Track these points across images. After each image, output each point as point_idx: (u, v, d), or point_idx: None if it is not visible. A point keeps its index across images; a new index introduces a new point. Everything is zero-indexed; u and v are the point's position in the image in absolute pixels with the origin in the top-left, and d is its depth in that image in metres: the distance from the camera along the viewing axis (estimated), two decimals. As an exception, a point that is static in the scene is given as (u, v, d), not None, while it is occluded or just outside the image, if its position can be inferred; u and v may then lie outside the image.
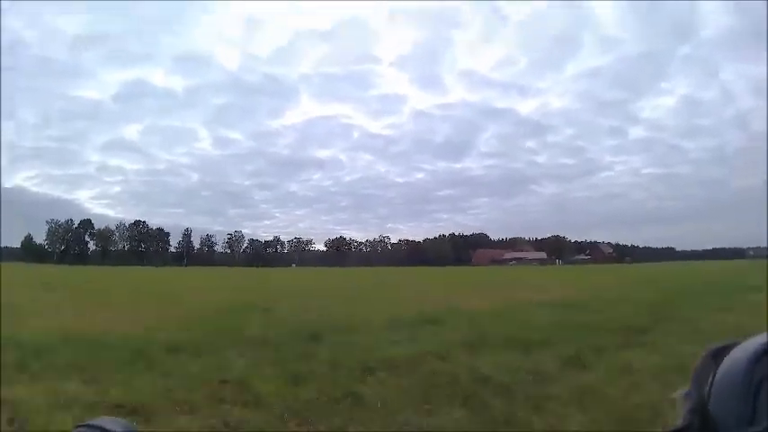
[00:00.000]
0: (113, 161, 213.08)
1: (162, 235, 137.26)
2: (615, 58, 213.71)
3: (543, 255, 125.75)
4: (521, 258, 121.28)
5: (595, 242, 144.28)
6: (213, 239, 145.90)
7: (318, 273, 60.40)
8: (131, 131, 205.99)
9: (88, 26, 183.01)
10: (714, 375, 0.53)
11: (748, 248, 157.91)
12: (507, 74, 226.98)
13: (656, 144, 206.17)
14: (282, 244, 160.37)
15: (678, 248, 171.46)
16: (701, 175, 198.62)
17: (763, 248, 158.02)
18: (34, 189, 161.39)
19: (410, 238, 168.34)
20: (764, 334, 0.51)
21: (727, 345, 0.55)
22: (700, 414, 0.52)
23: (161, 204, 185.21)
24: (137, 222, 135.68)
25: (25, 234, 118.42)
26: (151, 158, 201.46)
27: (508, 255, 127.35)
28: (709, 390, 0.53)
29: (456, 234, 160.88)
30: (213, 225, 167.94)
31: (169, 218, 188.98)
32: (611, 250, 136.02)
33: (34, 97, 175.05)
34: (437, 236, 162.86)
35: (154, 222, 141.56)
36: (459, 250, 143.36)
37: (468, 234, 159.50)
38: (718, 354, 0.54)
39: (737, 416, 0.48)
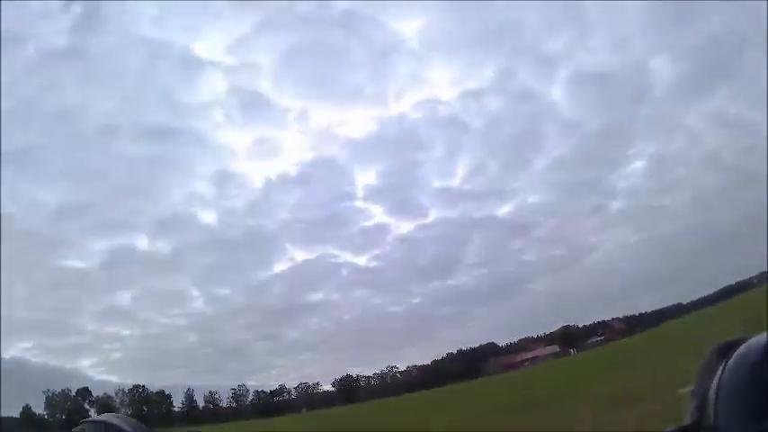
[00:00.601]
0: (109, 329, 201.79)
1: (163, 397, 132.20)
2: (579, 140, 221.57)
3: (556, 348, 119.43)
4: (534, 357, 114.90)
5: (604, 321, 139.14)
6: (217, 396, 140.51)
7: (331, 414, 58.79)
8: (123, 298, 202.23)
9: (67, 197, 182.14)
10: (721, 373, 0.52)
11: (751, 278, 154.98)
12: (479, 182, 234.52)
13: (636, 211, 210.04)
14: (289, 391, 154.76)
15: (685, 301, 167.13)
16: (685, 225, 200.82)
17: (765, 273, 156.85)
18: (34, 360, 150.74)
19: (417, 363, 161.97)
20: None
21: (733, 342, 0.54)
22: (705, 412, 0.52)
23: (162, 367, 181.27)
24: (136, 387, 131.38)
25: (23, 404, 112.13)
26: (146, 323, 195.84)
27: (521, 357, 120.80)
28: (716, 387, 0.52)
29: (463, 349, 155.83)
30: (217, 381, 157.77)
31: (171, 380, 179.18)
32: (622, 325, 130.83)
33: (23, 270, 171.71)
34: (444, 355, 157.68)
35: (157, 385, 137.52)
36: (468, 364, 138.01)
37: (476, 346, 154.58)
38: (725, 351, 0.54)
39: (744, 413, 0.47)
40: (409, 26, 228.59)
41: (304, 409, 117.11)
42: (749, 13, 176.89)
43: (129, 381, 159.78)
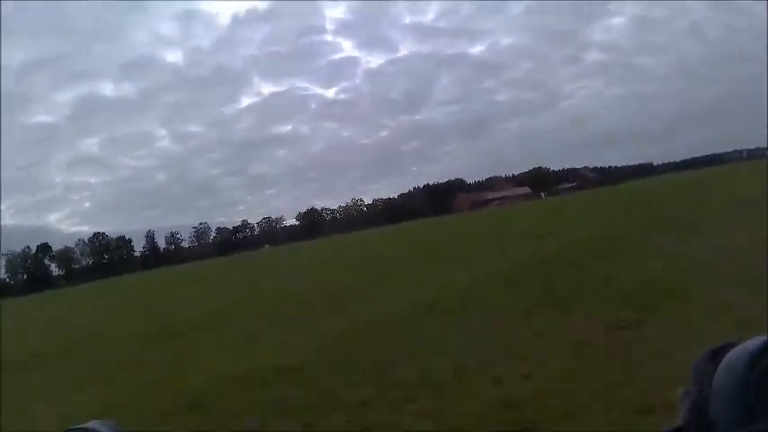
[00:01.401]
0: (78, 178, 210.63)
1: (124, 243, 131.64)
2: None
3: (527, 190, 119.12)
4: (504, 197, 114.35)
5: (576, 169, 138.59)
6: (179, 236, 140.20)
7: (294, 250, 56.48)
8: (91, 145, 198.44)
9: (31, 53, 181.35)
10: (713, 375, 0.53)
11: (725, 153, 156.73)
12: (453, 20, 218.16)
13: (613, 65, 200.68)
14: (252, 227, 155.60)
15: (656, 162, 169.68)
16: (665, 89, 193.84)
17: (742, 151, 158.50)
18: (7, 222, 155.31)
19: (383, 197, 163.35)
20: (764, 335, 0.51)
21: (726, 344, 0.54)
22: (699, 413, 0.52)
23: (134, 209, 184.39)
24: (96, 235, 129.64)
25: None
26: (115, 168, 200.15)
27: (491, 195, 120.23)
28: (709, 389, 0.52)
29: (431, 184, 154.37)
30: (188, 221, 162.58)
31: (145, 222, 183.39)
32: (594, 175, 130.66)
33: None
34: (412, 188, 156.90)
35: (129, 230, 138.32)
36: (436, 200, 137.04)
37: (444, 182, 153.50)
38: (718, 353, 0.54)
39: (737, 415, 0.48)
40: None
41: (266, 245, 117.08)
42: None
43: (101, 228, 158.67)
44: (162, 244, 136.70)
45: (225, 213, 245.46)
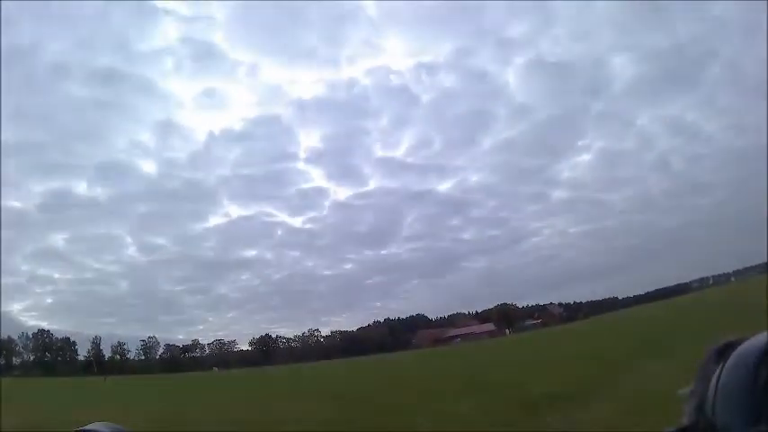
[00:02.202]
0: (42, 271, 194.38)
1: (68, 344, 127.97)
2: (529, 125, 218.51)
3: (491, 326, 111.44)
4: (467, 334, 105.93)
5: (544, 305, 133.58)
6: (125, 347, 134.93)
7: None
8: (57, 240, 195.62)
9: (10, 136, 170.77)
10: (719, 373, 0.52)
11: (692, 282, 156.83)
12: (423, 156, 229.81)
13: (579, 202, 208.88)
14: (203, 347, 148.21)
15: (621, 296, 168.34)
16: (628, 223, 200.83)
17: (708, 278, 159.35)
18: None
19: (342, 329, 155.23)
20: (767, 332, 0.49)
21: (731, 342, 0.53)
22: (704, 412, 0.51)
23: (93, 314, 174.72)
24: (40, 332, 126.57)
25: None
26: (79, 267, 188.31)
27: (453, 332, 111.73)
28: (715, 388, 0.51)
29: (392, 318, 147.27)
30: (146, 332, 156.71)
31: (102, 328, 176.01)
32: (561, 310, 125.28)
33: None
34: (371, 323, 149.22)
35: (89, 333, 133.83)
36: (397, 335, 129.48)
37: (405, 317, 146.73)
38: (723, 351, 0.53)
39: (742, 414, 0.47)
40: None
41: (215, 368, 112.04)
42: (717, 26, 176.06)
43: (61, 327, 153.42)
44: (108, 352, 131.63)
45: (185, 332, 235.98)
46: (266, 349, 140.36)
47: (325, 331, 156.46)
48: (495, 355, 35.19)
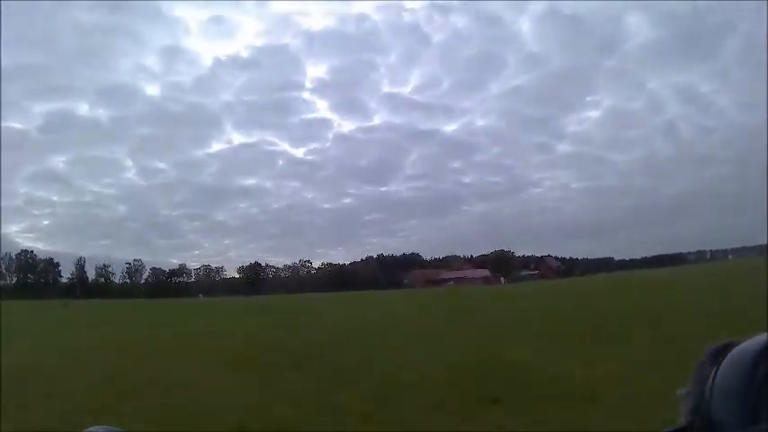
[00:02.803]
0: (40, 193, 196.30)
1: (51, 266, 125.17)
2: (539, 75, 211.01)
3: (486, 272, 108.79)
4: (461, 278, 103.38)
5: (542, 257, 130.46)
6: (110, 269, 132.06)
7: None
8: (57, 163, 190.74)
9: (11, 58, 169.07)
10: (715, 374, 0.52)
11: (689, 253, 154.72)
12: (430, 95, 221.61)
13: (583, 158, 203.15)
14: (189, 273, 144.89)
15: (617, 258, 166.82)
16: (630, 185, 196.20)
17: (706, 251, 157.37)
18: None
19: (334, 262, 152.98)
20: (765, 333, 0.50)
21: (727, 344, 0.54)
22: (701, 413, 0.51)
23: (90, 236, 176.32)
24: (23, 252, 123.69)
25: None
26: (78, 190, 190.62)
27: (446, 274, 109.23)
28: (711, 389, 0.52)
29: (385, 255, 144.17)
30: (142, 256, 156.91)
31: (97, 250, 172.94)
32: (558, 264, 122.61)
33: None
34: (364, 257, 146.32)
35: (85, 254, 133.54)
36: (389, 272, 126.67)
37: (399, 255, 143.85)
38: (719, 352, 0.53)
39: (739, 415, 0.47)
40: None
41: (200, 295, 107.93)
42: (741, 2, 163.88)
43: (57, 248, 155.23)
44: (92, 275, 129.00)
45: (179, 257, 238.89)
46: (255, 278, 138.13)
47: (316, 263, 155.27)
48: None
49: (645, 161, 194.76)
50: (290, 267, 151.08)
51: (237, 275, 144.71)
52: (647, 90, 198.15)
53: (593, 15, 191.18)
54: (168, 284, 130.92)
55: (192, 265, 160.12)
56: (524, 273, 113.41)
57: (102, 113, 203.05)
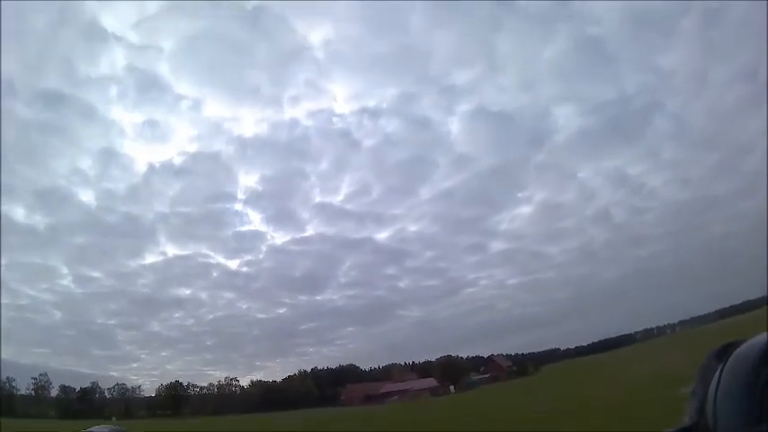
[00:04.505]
0: None
1: None
2: (469, 175, 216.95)
3: (432, 381, 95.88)
4: (404, 391, 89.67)
5: (490, 356, 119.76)
6: (15, 384, 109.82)
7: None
8: None
9: None
10: (720, 374, 0.52)
11: (636, 332, 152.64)
12: (362, 203, 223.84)
13: (518, 254, 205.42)
14: (102, 392, 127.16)
15: (562, 348, 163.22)
16: (567, 274, 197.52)
17: (652, 328, 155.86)
18: None
19: (268, 378, 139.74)
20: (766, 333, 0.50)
21: (731, 343, 0.54)
22: (705, 413, 0.51)
23: (26, 343, 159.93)
24: None
25: None
26: (14, 294, 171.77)
27: (388, 387, 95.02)
28: (715, 388, 0.51)
29: (319, 368, 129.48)
30: (79, 367, 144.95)
31: (34, 357, 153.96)
32: (509, 363, 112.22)
33: None
34: (297, 372, 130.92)
35: (22, 362, 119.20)
36: (324, 387, 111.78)
37: (334, 367, 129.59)
38: (723, 352, 0.53)
39: (743, 415, 0.47)
40: (317, 34, 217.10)
41: (113, 418, 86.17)
42: (664, 80, 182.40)
43: None
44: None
45: (119, 369, 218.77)
46: (174, 398, 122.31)
47: (252, 378, 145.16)
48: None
49: (581, 249, 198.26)
50: (214, 387, 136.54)
51: (155, 395, 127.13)
52: (577, 179, 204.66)
53: (521, 110, 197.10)
54: (80, 404, 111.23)
55: (133, 378, 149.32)
56: (475, 377, 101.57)
57: (39, 220, 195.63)
